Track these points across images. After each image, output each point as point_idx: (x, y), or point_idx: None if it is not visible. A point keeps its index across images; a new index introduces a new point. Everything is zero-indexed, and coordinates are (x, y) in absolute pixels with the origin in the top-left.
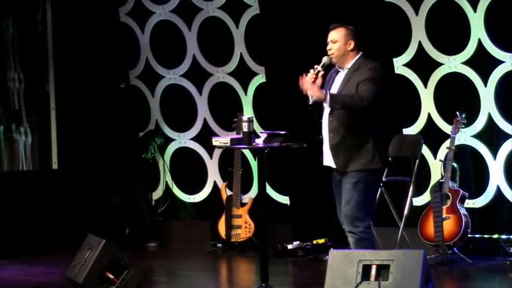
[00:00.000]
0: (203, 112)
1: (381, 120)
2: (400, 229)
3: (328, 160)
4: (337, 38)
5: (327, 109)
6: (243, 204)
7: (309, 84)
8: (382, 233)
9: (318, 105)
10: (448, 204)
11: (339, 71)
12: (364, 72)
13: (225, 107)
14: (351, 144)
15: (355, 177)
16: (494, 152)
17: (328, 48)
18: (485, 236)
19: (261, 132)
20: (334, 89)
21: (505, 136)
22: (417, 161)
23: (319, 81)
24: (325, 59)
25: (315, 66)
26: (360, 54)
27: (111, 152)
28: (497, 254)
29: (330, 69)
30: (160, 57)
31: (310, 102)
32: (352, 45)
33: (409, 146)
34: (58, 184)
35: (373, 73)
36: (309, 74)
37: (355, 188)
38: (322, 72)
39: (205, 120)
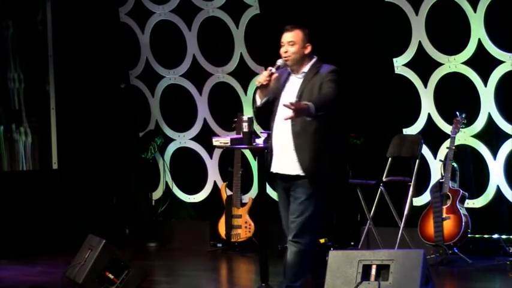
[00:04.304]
0: (203, 112)
1: (335, 128)
2: (400, 229)
3: (281, 166)
4: (295, 40)
5: (284, 114)
6: (243, 204)
7: (296, 105)
8: (382, 233)
9: (268, 107)
10: (448, 204)
11: (291, 74)
12: (326, 74)
13: (225, 107)
14: (314, 148)
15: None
16: (494, 152)
17: (284, 50)
18: (485, 236)
19: (261, 132)
20: (290, 93)
21: (505, 136)
22: (417, 161)
23: (271, 83)
24: (280, 62)
25: (270, 68)
26: (315, 59)
27: (111, 152)
28: (497, 254)
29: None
30: (160, 57)
31: (259, 104)
32: (309, 48)
33: (409, 146)
34: (58, 184)
35: (335, 76)
36: (261, 76)
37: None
38: (276, 75)
39: (205, 120)
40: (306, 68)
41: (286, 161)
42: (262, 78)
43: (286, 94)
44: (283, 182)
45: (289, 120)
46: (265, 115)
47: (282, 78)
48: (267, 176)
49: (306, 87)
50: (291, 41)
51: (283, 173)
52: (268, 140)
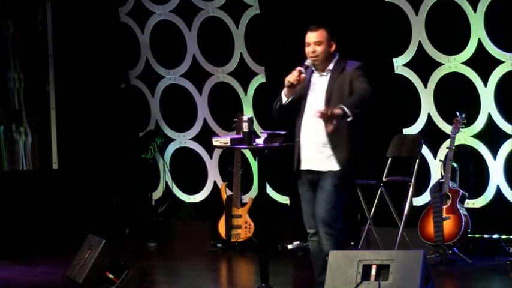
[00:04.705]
0: (203, 112)
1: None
2: (400, 229)
3: (312, 163)
4: (321, 40)
5: (313, 112)
6: (243, 204)
7: (330, 110)
8: (382, 233)
9: (294, 106)
10: (448, 204)
11: (314, 72)
12: (354, 71)
13: (225, 107)
14: (349, 144)
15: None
16: (494, 152)
17: (311, 50)
18: (485, 236)
19: (261, 132)
20: (318, 91)
21: (505, 136)
22: (417, 161)
23: (300, 83)
24: (308, 62)
25: (299, 68)
26: (338, 55)
27: (111, 152)
28: (497, 254)
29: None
30: (160, 57)
31: (284, 103)
32: (334, 46)
33: (409, 146)
34: (58, 184)
35: (363, 73)
36: (291, 75)
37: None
38: (303, 75)
39: (205, 120)
40: (330, 66)
41: (318, 157)
42: (292, 77)
43: (313, 93)
44: (312, 176)
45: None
46: (287, 113)
47: (305, 77)
48: (293, 174)
49: (335, 85)
50: (317, 41)
51: (316, 169)
52: (296, 137)
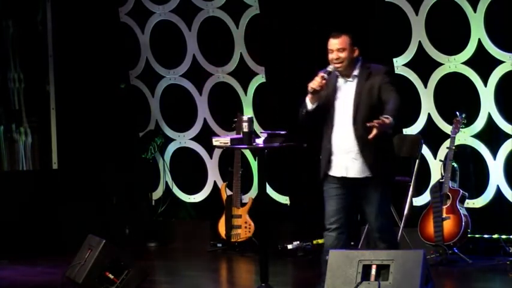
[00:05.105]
0: (203, 112)
1: None
2: (400, 229)
3: (346, 170)
4: (344, 46)
5: (343, 118)
6: (243, 204)
7: (380, 124)
8: None
9: (320, 111)
10: (448, 204)
11: (339, 78)
12: (383, 77)
13: (225, 107)
14: (379, 150)
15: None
16: (494, 152)
17: (334, 57)
18: (485, 236)
19: (261, 132)
20: (346, 97)
21: (505, 136)
22: (417, 161)
23: (323, 89)
24: (331, 68)
25: (322, 74)
26: (361, 60)
27: (111, 152)
28: (497, 254)
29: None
30: (160, 57)
31: (309, 109)
32: (357, 52)
33: (409, 146)
34: (58, 184)
35: (391, 77)
36: (314, 81)
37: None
38: (325, 81)
39: (205, 120)
40: (356, 71)
41: (353, 165)
42: (315, 84)
43: (341, 99)
44: (344, 181)
45: (351, 125)
46: (313, 119)
47: (330, 82)
48: (319, 177)
49: (363, 91)
50: (340, 47)
51: (351, 176)
52: (326, 143)
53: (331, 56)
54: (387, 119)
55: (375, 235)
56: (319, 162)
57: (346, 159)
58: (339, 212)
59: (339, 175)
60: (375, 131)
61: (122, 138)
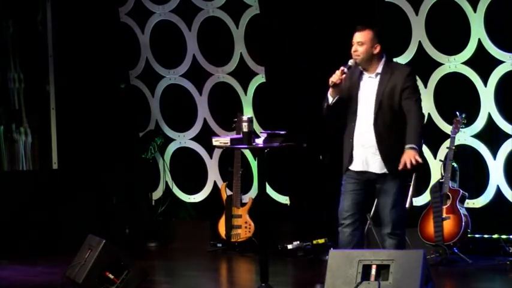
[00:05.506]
0: (203, 112)
1: None
2: None
3: (367, 165)
4: (363, 40)
5: (365, 114)
6: (243, 204)
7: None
8: None
9: (342, 105)
10: (448, 204)
11: (363, 73)
12: (405, 79)
13: (225, 107)
14: (397, 146)
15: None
16: (494, 152)
17: (353, 50)
18: (485, 236)
19: (261, 132)
20: (368, 94)
21: (505, 136)
22: None
23: (343, 82)
24: (351, 62)
25: (342, 68)
26: (385, 58)
27: (111, 152)
28: (497, 254)
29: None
30: (160, 57)
31: (331, 103)
32: (378, 48)
33: None
34: (58, 184)
35: (414, 80)
36: (334, 75)
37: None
38: (345, 75)
39: (205, 120)
40: (379, 69)
41: (372, 159)
42: (335, 77)
43: (363, 95)
44: (363, 176)
45: (372, 121)
46: (335, 113)
47: (354, 77)
48: (341, 171)
49: (385, 90)
50: (360, 41)
51: (371, 171)
52: (348, 137)
53: (352, 49)
54: (414, 156)
55: (385, 231)
56: (319, 162)
57: (366, 153)
58: (354, 207)
59: (359, 169)
60: (402, 166)
61: (122, 138)
